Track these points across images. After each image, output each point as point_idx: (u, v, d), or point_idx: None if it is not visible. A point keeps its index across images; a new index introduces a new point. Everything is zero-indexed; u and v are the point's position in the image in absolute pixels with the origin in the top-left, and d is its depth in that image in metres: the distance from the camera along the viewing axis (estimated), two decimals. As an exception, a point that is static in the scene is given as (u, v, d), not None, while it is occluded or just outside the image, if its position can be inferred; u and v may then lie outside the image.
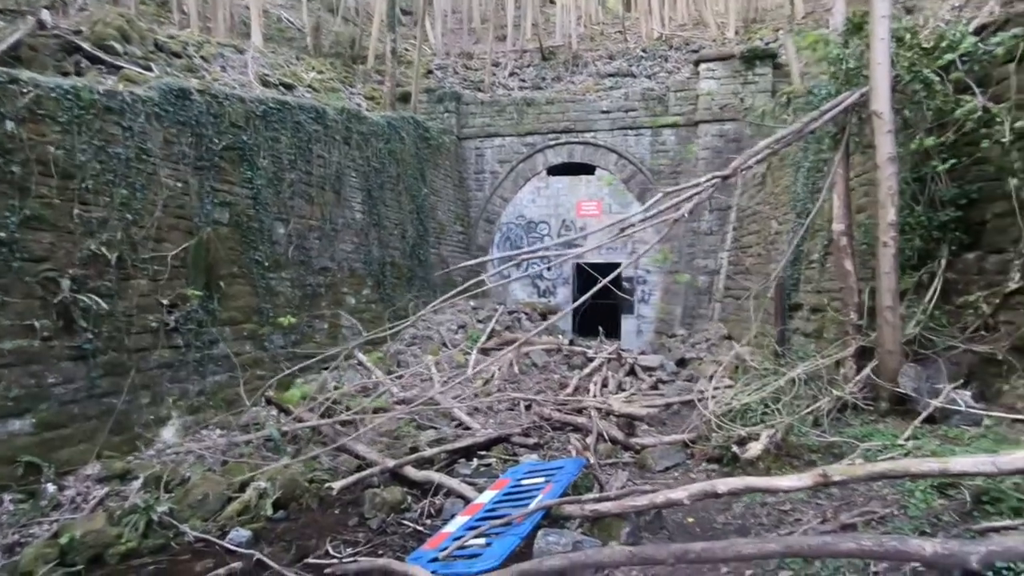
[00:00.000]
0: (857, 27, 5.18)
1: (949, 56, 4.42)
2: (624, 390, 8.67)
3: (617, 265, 13.41)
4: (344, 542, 4.42)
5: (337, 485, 5.13)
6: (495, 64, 18.18)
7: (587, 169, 14.40)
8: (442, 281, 13.20)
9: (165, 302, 6.21)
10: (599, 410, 6.90)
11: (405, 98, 14.65)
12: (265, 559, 4.05)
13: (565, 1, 20.89)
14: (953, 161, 4.64)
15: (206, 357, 6.70)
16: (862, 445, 4.00)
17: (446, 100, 14.83)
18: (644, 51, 17.72)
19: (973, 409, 3.96)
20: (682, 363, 10.50)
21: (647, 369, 9.92)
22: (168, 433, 6.08)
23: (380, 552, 4.29)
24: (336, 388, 7.32)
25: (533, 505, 4.17)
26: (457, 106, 14.87)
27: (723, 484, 3.52)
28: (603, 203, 14.29)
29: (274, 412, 6.91)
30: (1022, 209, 4.12)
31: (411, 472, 5.59)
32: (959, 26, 4.57)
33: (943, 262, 4.78)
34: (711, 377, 6.72)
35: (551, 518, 4.17)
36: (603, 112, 14.14)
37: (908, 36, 4.78)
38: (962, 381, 4.30)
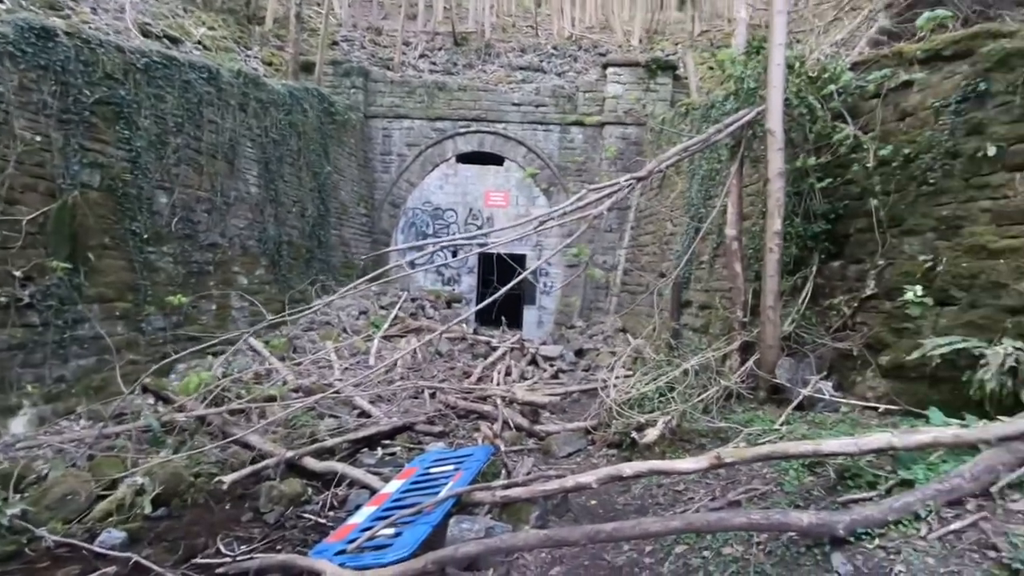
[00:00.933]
0: (756, 50, 5.69)
1: (831, 87, 4.99)
2: (527, 379, 8.88)
3: (522, 256, 13.76)
4: (237, 539, 4.12)
5: (228, 479, 4.76)
6: (406, 43, 17.63)
7: (496, 159, 14.48)
8: (342, 264, 12.65)
9: (17, 274, 5.36)
10: (504, 398, 7.02)
11: (308, 68, 13.76)
12: (144, 562, 3.67)
13: (479, -12, 20.74)
14: (828, 180, 5.26)
15: (69, 338, 5.89)
16: (745, 430, 4.44)
17: (353, 75, 14.14)
18: (555, 49, 18.09)
19: (834, 398, 4.55)
20: (580, 354, 10.97)
21: (548, 359, 10.24)
22: (18, 425, 5.28)
23: (279, 547, 4.06)
24: (225, 375, 6.77)
25: (444, 493, 4.16)
26: (365, 83, 14.25)
27: (628, 467, 3.74)
28: (510, 195, 14.46)
29: (151, 401, 6.25)
30: (879, 226, 4.78)
31: (311, 463, 5.34)
32: (839, 61, 5.18)
33: (814, 268, 5.43)
34: (612, 367, 7.09)
35: (461, 505, 4.19)
36: (514, 104, 14.27)
37: (797, 64, 5.33)
38: (825, 373, 4.92)
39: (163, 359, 6.22)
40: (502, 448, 5.28)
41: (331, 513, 4.60)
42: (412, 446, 6.07)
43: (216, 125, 8.55)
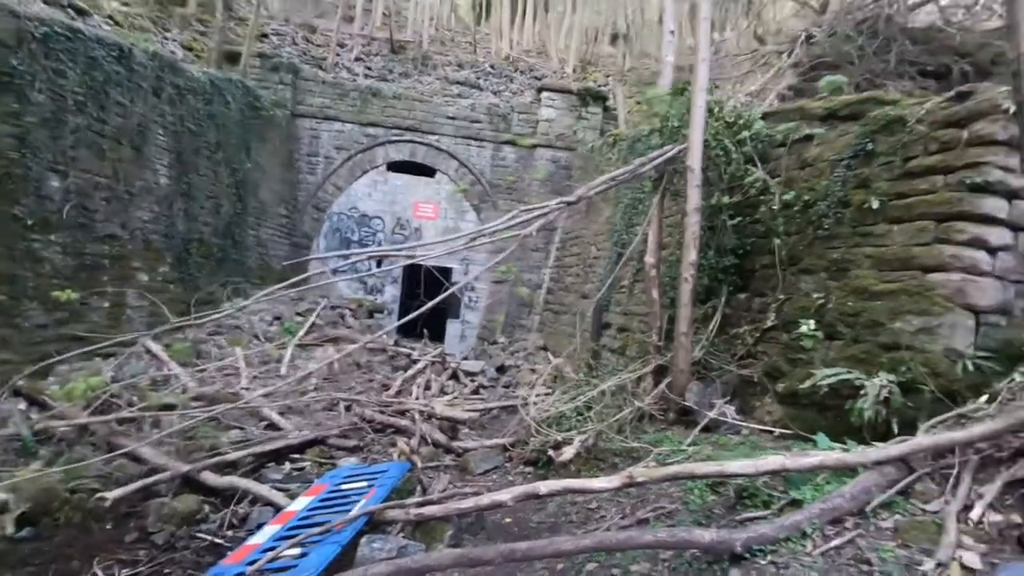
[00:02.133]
0: (680, 92, 6.08)
1: (744, 133, 5.43)
2: (447, 394, 8.80)
3: (449, 269, 13.68)
4: (119, 562, 3.76)
5: (111, 495, 4.33)
6: (341, 45, 17.23)
7: (428, 171, 14.39)
8: (258, 266, 12.00)
9: None
10: (422, 413, 6.91)
11: (233, 58, 13.09)
12: (2, 590, 3.26)
13: (419, -2, 20.72)
14: (738, 218, 5.69)
15: (-76, 332, 5.16)
16: (655, 450, 4.64)
17: (282, 71, 13.59)
18: (492, 68, 18.37)
19: (736, 421, 4.87)
20: (502, 370, 11.02)
21: (469, 374, 10.20)
22: None
23: (167, 571, 3.75)
24: (115, 380, 6.18)
25: (356, 511, 4.02)
26: (294, 80, 13.73)
27: (544, 486, 3.80)
28: (440, 207, 14.39)
29: (23, 407, 5.58)
30: (781, 264, 5.22)
31: (210, 478, 4.97)
32: (752, 110, 5.66)
33: (723, 299, 5.82)
34: (532, 385, 7.18)
35: (374, 523, 4.06)
36: (449, 118, 14.28)
37: (716, 109, 5.75)
38: (729, 397, 5.26)
39: (42, 360, 5.58)
40: (418, 464, 5.18)
41: (230, 533, 4.31)
42: (323, 461, 5.81)
43: (124, 108, 7.91)
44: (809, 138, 5.30)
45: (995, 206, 3.75)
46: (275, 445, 5.83)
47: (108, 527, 4.22)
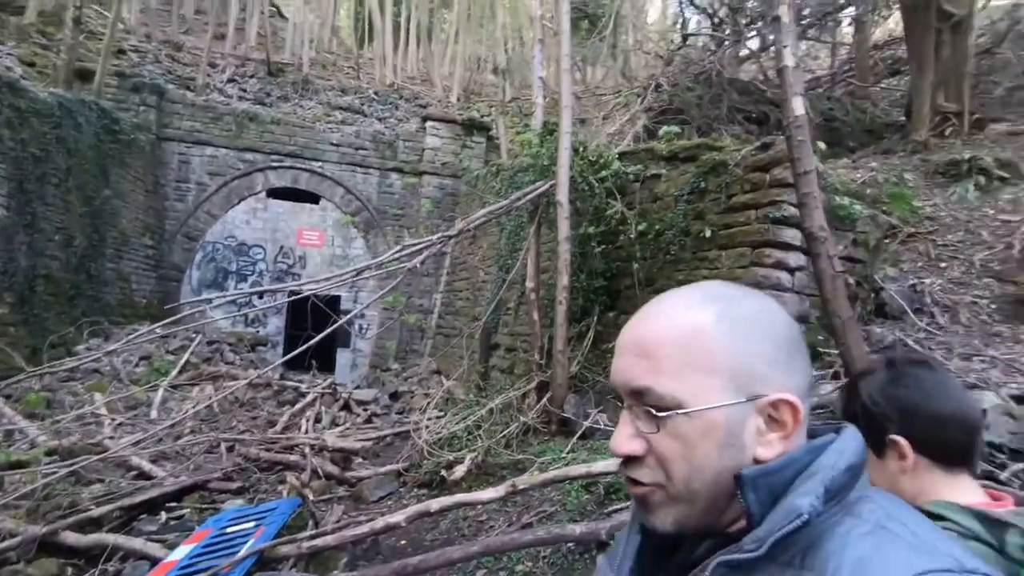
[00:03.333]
0: (550, 132, 6.74)
1: (604, 172, 6.16)
2: (339, 425, 8.69)
3: (337, 298, 13.42)
4: (-34, 642, 3.41)
5: (-51, 570, 3.90)
6: (212, 65, 16.43)
7: (312, 197, 14.10)
8: (119, 303, 11.01)
9: None
10: (313, 447, 6.82)
11: (86, 76, 12.01)
12: None
13: (298, 19, 20.34)
14: (604, 245, 6.40)
15: None
16: (539, 460, 5.07)
17: (144, 91, 12.71)
18: (376, 94, 18.45)
19: (608, 427, 5.45)
20: (395, 396, 11.03)
21: (362, 403, 10.10)
22: None
23: (26, 643, 3.46)
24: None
25: (243, 551, 3.98)
26: (159, 101, 12.89)
27: (435, 503, 4.06)
28: (326, 234, 14.13)
29: None
30: (639, 285, 5.96)
31: (72, 538, 4.61)
32: (610, 151, 6.43)
33: (595, 318, 6.47)
34: (423, 409, 7.38)
35: (264, 562, 4.04)
36: (333, 144, 14.15)
37: (581, 149, 6.46)
38: (602, 407, 5.86)
39: None
40: (310, 498, 5.17)
41: (101, 593, 4.04)
42: (205, 506, 5.56)
43: (-48, 133, 7.07)
44: (658, 176, 6.15)
45: (791, 235, 4.67)
46: (148, 495, 5.48)
47: (-52, 605, 3.79)
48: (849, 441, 0.67)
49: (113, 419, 7.30)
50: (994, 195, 5.69)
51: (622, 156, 6.56)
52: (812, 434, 0.71)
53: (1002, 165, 5.87)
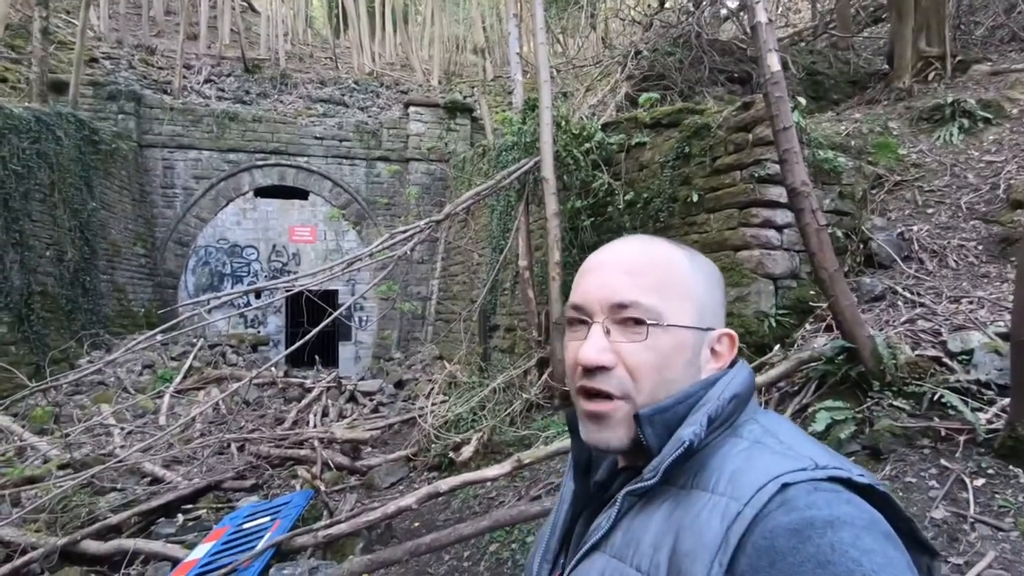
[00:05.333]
0: (531, 108, 6.68)
1: (588, 144, 6.13)
2: (346, 417, 8.78)
3: (334, 292, 13.45)
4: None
5: (-25, 586, 3.99)
6: (187, 67, 16.20)
7: (300, 193, 14.03)
8: (117, 313, 11.03)
9: None
10: (322, 440, 6.91)
11: (60, 88, 11.85)
12: None
13: (270, 12, 19.99)
14: (593, 218, 6.39)
15: None
16: (543, 434, 5.15)
17: (122, 99, 12.55)
18: (356, 84, 18.23)
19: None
20: (400, 385, 11.12)
21: (367, 394, 10.20)
22: None
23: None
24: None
25: (261, 545, 4.07)
26: (137, 108, 12.75)
27: (444, 483, 4.14)
28: (318, 229, 14.09)
29: None
30: (631, 255, 5.96)
31: (92, 546, 4.71)
32: (593, 122, 6.39)
33: (590, 291, 6.49)
34: (428, 395, 7.45)
35: (282, 554, 4.14)
36: (317, 138, 14.03)
37: (563, 123, 6.41)
38: (603, 378, 5.93)
39: None
40: (323, 489, 5.26)
41: (126, 596, 4.14)
42: (220, 506, 5.67)
43: (-69, 156, 7.01)
44: (642, 144, 6.12)
45: (777, 193, 4.67)
46: (163, 499, 5.58)
47: (-21, 618, 3.89)
48: (736, 374, 0.75)
49: (122, 428, 7.38)
50: (979, 137, 5.67)
51: (605, 127, 6.52)
52: None
53: (985, 106, 5.83)
